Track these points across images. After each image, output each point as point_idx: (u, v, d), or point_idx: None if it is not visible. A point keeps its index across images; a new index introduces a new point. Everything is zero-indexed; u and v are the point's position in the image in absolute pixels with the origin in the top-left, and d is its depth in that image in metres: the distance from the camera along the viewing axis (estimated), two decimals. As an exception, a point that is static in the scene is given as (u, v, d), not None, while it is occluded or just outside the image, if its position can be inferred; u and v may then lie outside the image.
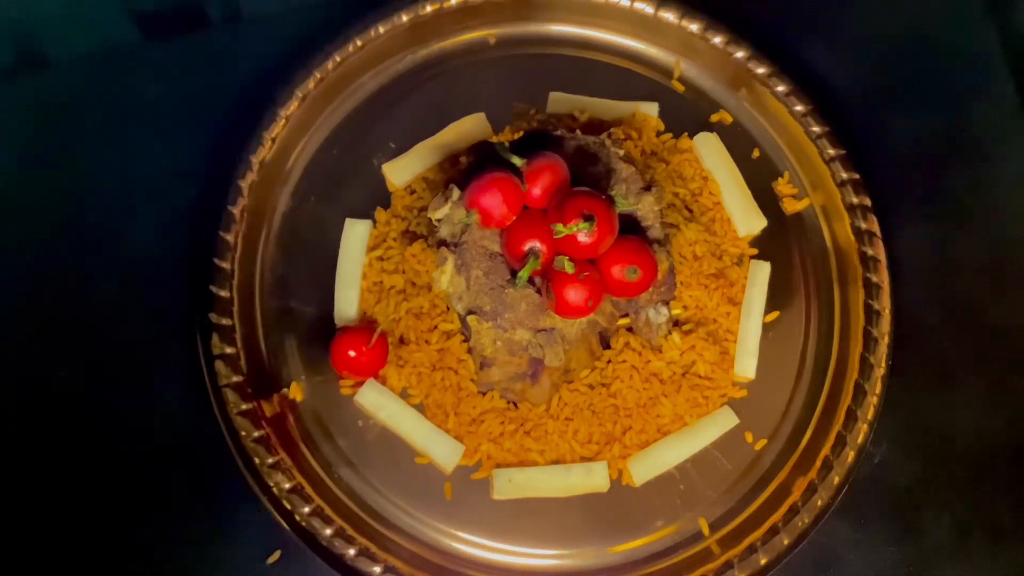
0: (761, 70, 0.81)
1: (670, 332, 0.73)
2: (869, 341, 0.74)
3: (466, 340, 0.72)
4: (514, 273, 0.68)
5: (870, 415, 0.72)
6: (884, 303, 0.75)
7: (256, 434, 0.69)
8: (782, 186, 0.80)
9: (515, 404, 0.72)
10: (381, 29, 0.80)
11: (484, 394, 0.72)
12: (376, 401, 0.71)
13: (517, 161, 0.66)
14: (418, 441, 0.71)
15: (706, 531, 0.71)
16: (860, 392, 0.73)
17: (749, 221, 0.78)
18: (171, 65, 0.82)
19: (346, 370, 0.71)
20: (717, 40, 0.81)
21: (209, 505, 0.70)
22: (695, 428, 0.73)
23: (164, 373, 0.73)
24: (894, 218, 0.79)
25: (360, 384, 0.72)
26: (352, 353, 0.70)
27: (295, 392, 0.72)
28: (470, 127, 0.80)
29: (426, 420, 0.71)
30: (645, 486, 0.71)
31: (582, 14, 0.83)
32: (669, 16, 0.82)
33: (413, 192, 0.78)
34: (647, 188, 0.71)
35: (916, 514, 0.73)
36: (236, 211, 0.75)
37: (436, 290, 0.71)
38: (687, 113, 0.82)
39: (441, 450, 0.71)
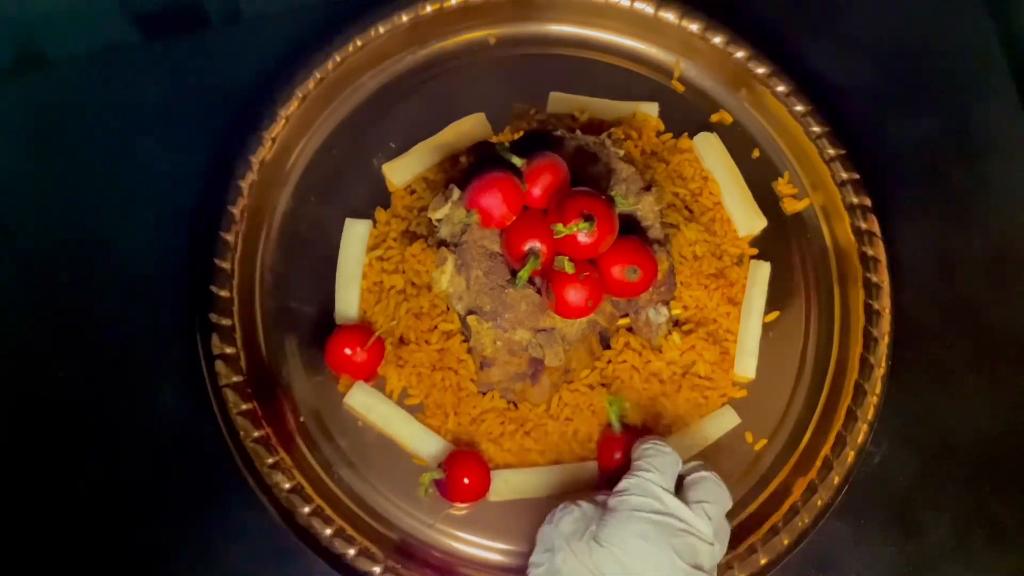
0: (761, 70, 0.81)
1: (670, 332, 0.73)
2: (869, 341, 0.74)
3: (466, 340, 0.72)
4: (514, 273, 0.67)
5: (870, 415, 0.72)
6: (884, 303, 0.75)
7: (256, 434, 0.69)
8: (782, 186, 0.80)
9: (515, 404, 0.72)
10: (381, 29, 0.80)
11: (484, 394, 0.72)
12: (365, 403, 0.71)
13: (517, 161, 0.66)
14: (408, 442, 0.71)
15: (706, 531, 0.71)
16: (860, 392, 0.73)
17: (749, 221, 0.78)
18: (171, 65, 0.82)
19: (340, 369, 0.71)
20: (717, 40, 0.81)
21: (209, 505, 0.70)
22: (695, 428, 0.73)
23: (164, 373, 0.73)
24: (894, 218, 0.79)
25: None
26: (348, 351, 0.70)
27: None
28: (470, 127, 0.80)
29: (416, 420, 0.71)
30: (645, 486, 0.71)
31: (582, 14, 0.83)
32: (669, 16, 0.82)
33: (413, 192, 0.78)
34: (647, 188, 0.71)
35: (916, 514, 0.73)
36: (236, 211, 0.75)
37: (436, 290, 0.71)
38: (687, 113, 0.82)
39: (431, 450, 0.71)
